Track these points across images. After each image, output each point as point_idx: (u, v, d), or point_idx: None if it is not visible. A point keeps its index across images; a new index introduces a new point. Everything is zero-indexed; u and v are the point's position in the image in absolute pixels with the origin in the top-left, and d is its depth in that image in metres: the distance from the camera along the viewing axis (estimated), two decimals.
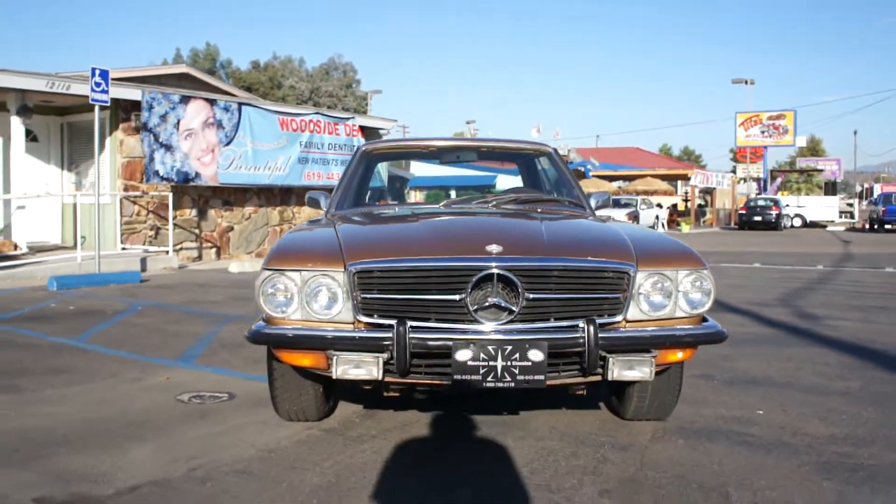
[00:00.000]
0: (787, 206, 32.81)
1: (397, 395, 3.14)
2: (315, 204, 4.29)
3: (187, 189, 12.63)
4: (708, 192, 39.84)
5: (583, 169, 30.45)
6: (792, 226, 32.68)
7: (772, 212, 30.02)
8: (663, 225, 29.89)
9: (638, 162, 41.01)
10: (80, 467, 2.90)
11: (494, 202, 3.95)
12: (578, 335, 2.72)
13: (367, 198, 4.94)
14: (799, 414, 3.67)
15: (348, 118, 15.58)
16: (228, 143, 12.82)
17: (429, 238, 2.99)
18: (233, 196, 13.52)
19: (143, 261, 10.95)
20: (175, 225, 12.39)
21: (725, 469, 2.94)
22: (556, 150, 4.62)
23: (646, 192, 32.31)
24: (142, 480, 2.79)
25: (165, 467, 2.91)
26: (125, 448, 3.11)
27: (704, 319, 3.03)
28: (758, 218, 30.03)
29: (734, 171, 44.46)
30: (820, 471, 2.94)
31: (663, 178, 35.06)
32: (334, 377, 2.74)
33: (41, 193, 11.26)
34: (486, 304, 2.73)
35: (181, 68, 18.80)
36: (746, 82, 38.14)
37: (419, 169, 25.57)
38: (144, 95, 11.78)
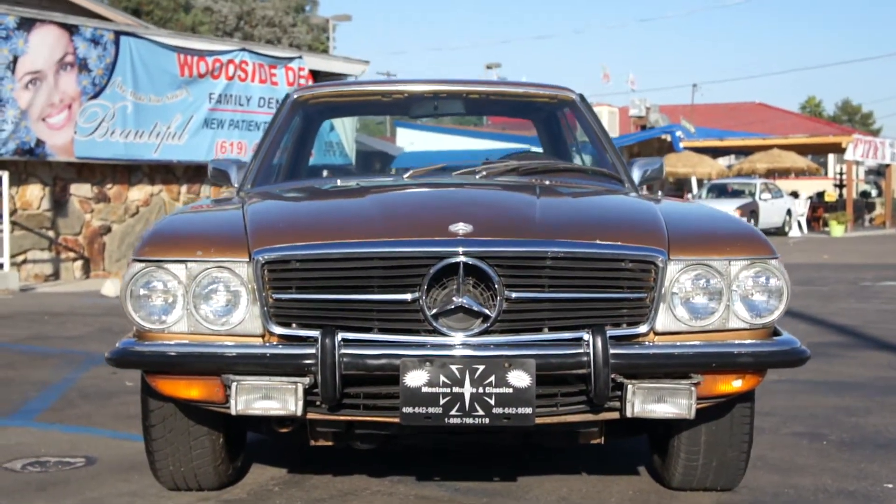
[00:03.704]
0: None
1: (331, 444, 3.53)
2: (222, 178, 4.70)
3: (34, 167, 13.14)
4: (879, 172, 40.18)
5: (669, 137, 30.87)
6: None
7: None
8: (800, 225, 30.26)
9: (762, 125, 41.45)
10: None
11: (484, 172, 4.36)
12: (581, 351, 3.11)
13: (303, 171, 5.37)
14: None
15: (292, 58, 16.13)
16: (96, 95, 13.36)
17: (372, 216, 3.39)
18: (109, 178, 14.01)
19: None
20: (14, 224, 12.87)
21: None
22: (581, 96, 5.04)
23: (773, 173, 32.68)
24: None
25: None
26: None
27: (776, 333, 3.43)
28: None
29: None
30: None
31: (803, 150, 35.43)
32: (233, 412, 3.13)
33: None
34: (451, 306, 3.11)
35: None
36: None
37: (411, 139, 26.11)
38: None
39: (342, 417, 3.22)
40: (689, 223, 3.53)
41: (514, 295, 3.13)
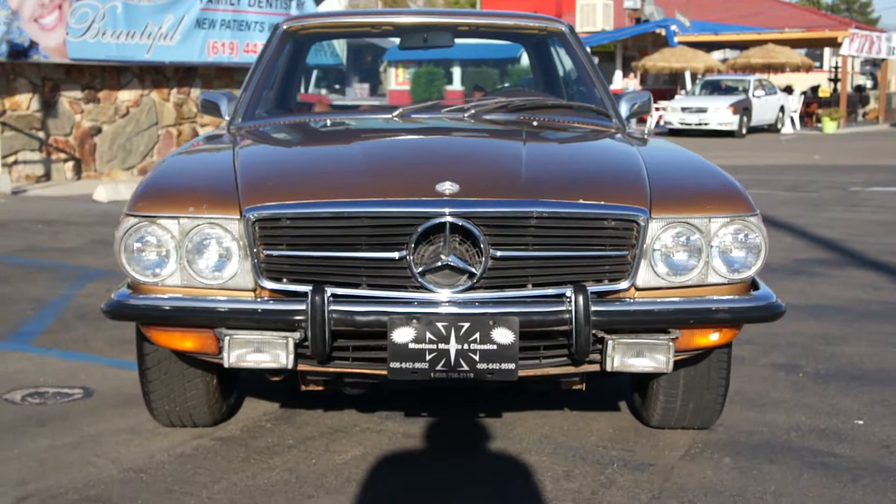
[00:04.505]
0: None
1: (320, 388, 3.65)
2: (212, 109, 4.73)
3: (22, 68, 13.05)
4: (875, 63, 39.89)
5: (664, 31, 30.62)
6: None
7: None
8: (793, 121, 30.24)
9: (758, 19, 40.90)
10: None
11: (473, 111, 4.41)
12: (563, 308, 3.20)
13: (295, 98, 5.41)
14: None
15: None
16: None
17: (361, 171, 3.46)
18: (99, 79, 13.94)
19: None
20: (4, 125, 12.84)
21: (782, 502, 3.40)
22: (571, 28, 5.05)
23: (767, 69, 32.48)
24: None
25: None
26: None
27: (754, 286, 3.52)
28: None
29: None
30: None
31: (798, 44, 35.15)
32: (226, 365, 3.24)
33: None
34: (437, 264, 3.20)
35: None
36: None
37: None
38: None
39: (332, 369, 3.33)
40: (671, 178, 3.59)
41: (499, 253, 3.21)
